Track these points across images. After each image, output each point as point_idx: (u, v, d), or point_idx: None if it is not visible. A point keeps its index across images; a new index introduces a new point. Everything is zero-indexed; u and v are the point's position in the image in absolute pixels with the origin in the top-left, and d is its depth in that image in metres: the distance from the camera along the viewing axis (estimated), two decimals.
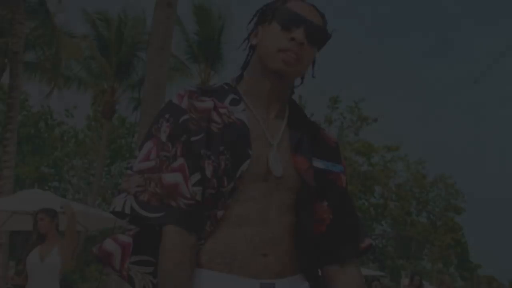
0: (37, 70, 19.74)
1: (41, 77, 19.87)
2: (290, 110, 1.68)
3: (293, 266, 1.57)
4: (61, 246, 5.52)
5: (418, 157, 40.48)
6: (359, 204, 33.07)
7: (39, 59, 19.43)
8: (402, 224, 36.64)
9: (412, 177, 37.21)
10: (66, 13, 26.93)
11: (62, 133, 34.43)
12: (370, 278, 16.51)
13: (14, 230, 12.60)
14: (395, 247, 38.77)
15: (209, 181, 1.50)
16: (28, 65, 18.67)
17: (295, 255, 1.57)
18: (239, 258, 1.50)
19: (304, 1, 1.63)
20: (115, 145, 33.41)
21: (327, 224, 1.63)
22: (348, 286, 1.63)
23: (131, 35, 23.51)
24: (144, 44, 21.30)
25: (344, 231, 1.65)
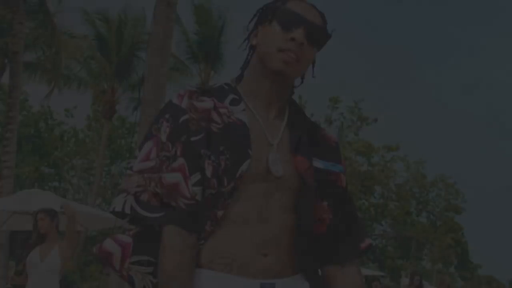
0: (37, 70, 19.72)
1: (41, 77, 19.86)
2: (290, 110, 1.68)
3: (293, 266, 1.57)
4: (61, 246, 5.52)
5: (418, 157, 40.45)
6: (359, 204, 33.04)
7: (39, 59, 19.42)
8: (402, 224, 36.62)
9: (412, 177, 37.18)
10: (66, 13, 26.87)
11: (62, 133, 34.37)
12: (370, 278, 16.49)
13: (14, 230, 12.59)
14: (395, 247, 38.75)
15: (209, 181, 1.50)
16: (28, 65, 18.66)
17: (295, 255, 1.57)
18: (239, 258, 1.50)
19: (304, 1, 1.63)
20: (115, 145, 33.38)
21: (327, 224, 1.63)
22: (348, 286, 1.63)
23: (131, 35, 23.48)
24: (144, 44, 21.29)
25: (344, 231, 1.65)
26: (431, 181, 38.13)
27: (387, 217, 36.44)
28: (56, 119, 34.07)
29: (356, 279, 1.64)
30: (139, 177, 1.53)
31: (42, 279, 5.49)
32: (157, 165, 1.52)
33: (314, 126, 1.72)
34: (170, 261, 1.46)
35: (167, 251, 1.47)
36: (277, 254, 1.54)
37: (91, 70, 24.41)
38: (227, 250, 1.51)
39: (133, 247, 1.59)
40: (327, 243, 1.63)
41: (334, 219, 1.64)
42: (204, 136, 1.52)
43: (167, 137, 1.54)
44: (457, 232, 38.68)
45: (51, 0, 17.78)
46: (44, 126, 33.76)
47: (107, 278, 12.20)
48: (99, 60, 23.85)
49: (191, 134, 1.52)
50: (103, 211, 11.62)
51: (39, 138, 32.94)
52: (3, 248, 13.77)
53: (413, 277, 10.79)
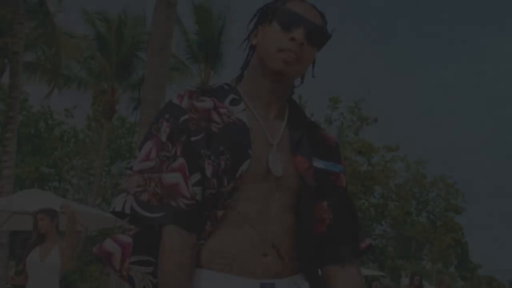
0: (37, 70, 19.72)
1: (41, 77, 19.85)
2: (290, 110, 1.68)
3: (293, 266, 1.57)
4: (61, 246, 5.52)
5: (418, 157, 40.40)
6: (359, 204, 33.01)
7: (39, 59, 19.41)
8: (402, 224, 36.58)
9: (412, 177, 37.15)
10: (66, 13, 26.89)
11: (62, 133, 34.36)
12: (370, 278, 16.49)
13: (14, 230, 12.60)
14: (395, 247, 38.72)
15: (209, 181, 1.50)
16: (28, 65, 18.65)
17: (295, 255, 1.57)
18: (239, 258, 1.50)
19: (304, 1, 1.63)
20: (115, 145, 33.37)
21: (327, 224, 1.63)
22: (347, 286, 1.63)
23: (131, 35, 23.47)
24: (144, 44, 21.28)
25: (344, 231, 1.65)
26: (431, 181, 38.07)
27: (387, 217, 36.40)
28: (56, 119, 34.05)
29: (356, 279, 1.64)
30: (139, 177, 1.53)
31: (42, 279, 5.49)
32: (157, 165, 1.52)
33: (314, 126, 1.72)
34: (170, 261, 1.46)
35: (167, 251, 1.47)
36: (277, 254, 1.54)
37: (91, 70, 24.41)
38: (227, 250, 1.51)
39: (133, 247, 1.59)
40: (327, 243, 1.63)
41: (334, 219, 1.63)
42: (204, 136, 1.52)
43: (167, 137, 1.54)
44: (457, 232, 38.64)
45: (51, 0, 17.80)
46: (44, 126, 33.75)
47: (107, 278, 12.20)
48: (99, 60, 23.84)
49: (191, 134, 1.52)
50: (103, 211, 11.62)
51: (39, 138, 32.93)
52: (3, 248, 13.76)
53: (413, 277, 10.79)
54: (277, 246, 1.54)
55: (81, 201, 25.94)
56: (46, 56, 18.83)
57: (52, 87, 19.15)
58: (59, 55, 18.03)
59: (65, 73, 22.13)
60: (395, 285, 32.14)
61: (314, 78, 1.71)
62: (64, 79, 22.27)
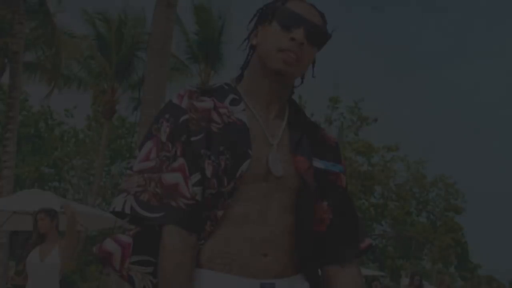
0: (37, 70, 19.71)
1: (41, 77, 19.85)
2: (290, 110, 1.68)
3: (293, 266, 1.57)
4: (61, 246, 5.52)
5: (418, 157, 40.39)
6: (359, 204, 32.99)
7: (39, 59, 19.41)
8: (402, 224, 36.57)
9: (412, 177, 37.14)
10: (66, 13, 26.87)
11: (62, 133, 34.36)
12: (370, 278, 16.49)
13: (14, 230, 12.58)
14: (395, 247, 38.71)
15: (209, 181, 1.50)
16: (28, 65, 18.65)
17: (295, 255, 1.57)
18: (239, 258, 1.50)
19: (304, 1, 1.63)
20: (115, 145, 33.36)
21: (327, 224, 1.63)
22: (347, 286, 1.63)
23: (131, 35, 23.46)
24: (144, 44, 21.27)
25: (344, 231, 1.65)
26: (431, 181, 38.06)
27: (387, 217, 36.39)
28: (56, 119, 34.04)
29: (356, 279, 1.64)
30: (139, 177, 1.53)
31: (42, 279, 5.48)
32: (157, 165, 1.52)
33: (314, 126, 1.72)
34: (170, 261, 1.46)
35: (167, 251, 1.47)
36: (277, 254, 1.54)
37: (91, 70, 24.40)
38: (227, 250, 1.51)
39: (133, 247, 1.59)
40: (327, 243, 1.63)
41: (334, 219, 1.63)
42: (204, 136, 1.52)
43: (167, 137, 1.54)
44: (457, 232, 38.63)
45: (51, 0, 17.80)
46: (44, 126, 33.74)
47: (107, 278, 12.20)
48: (99, 60, 23.83)
49: (191, 134, 1.52)
50: (103, 211, 11.61)
51: (39, 138, 32.92)
52: (3, 248, 13.76)
53: (413, 277, 10.80)
54: (277, 246, 1.54)
55: (81, 201, 25.93)
56: (46, 56, 18.84)
57: (52, 87, 19.14)
58: (59, 55, 18.03)
59: (65, 73, 22.12)
60: (395, 285, 32.13)
61: (314, 78, 1.71)
62: (64, 79, 22.27)
